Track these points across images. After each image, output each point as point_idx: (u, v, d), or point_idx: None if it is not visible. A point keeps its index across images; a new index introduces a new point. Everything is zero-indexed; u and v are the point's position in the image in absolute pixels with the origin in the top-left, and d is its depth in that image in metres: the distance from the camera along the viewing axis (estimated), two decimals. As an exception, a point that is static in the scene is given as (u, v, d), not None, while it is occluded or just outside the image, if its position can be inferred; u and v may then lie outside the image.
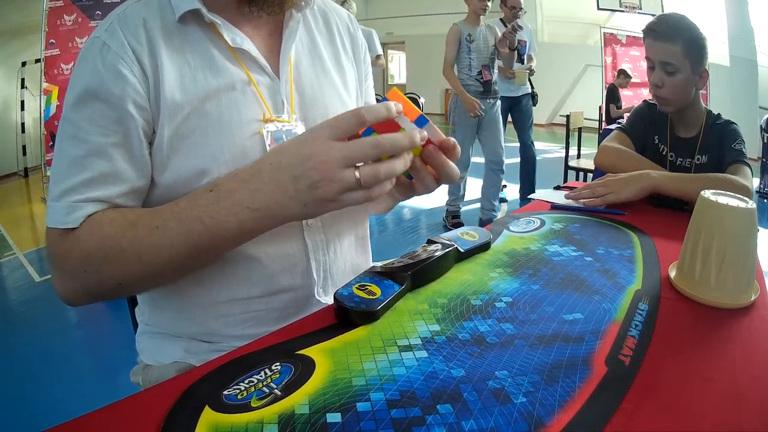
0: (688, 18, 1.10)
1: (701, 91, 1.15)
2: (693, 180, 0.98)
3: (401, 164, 0.48)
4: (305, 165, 0.47)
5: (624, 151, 1.13)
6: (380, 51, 3.65)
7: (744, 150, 1.07)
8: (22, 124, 5.25)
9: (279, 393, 0.41)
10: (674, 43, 1.07)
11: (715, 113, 1.17)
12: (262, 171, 0.49)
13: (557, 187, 1.15)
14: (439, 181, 0.55)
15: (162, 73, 0.56)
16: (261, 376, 0.43)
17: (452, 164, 0.54)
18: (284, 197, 0.48)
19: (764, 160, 4.32)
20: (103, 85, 0.54)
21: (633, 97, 6.27)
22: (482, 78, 3.01)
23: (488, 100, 3.04)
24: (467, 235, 0.74)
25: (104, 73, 0.54)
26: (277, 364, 0.45)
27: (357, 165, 0.47)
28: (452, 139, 0.53)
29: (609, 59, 6.94)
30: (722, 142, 1.09)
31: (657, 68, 1.11)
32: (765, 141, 4.30)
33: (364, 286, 0.56)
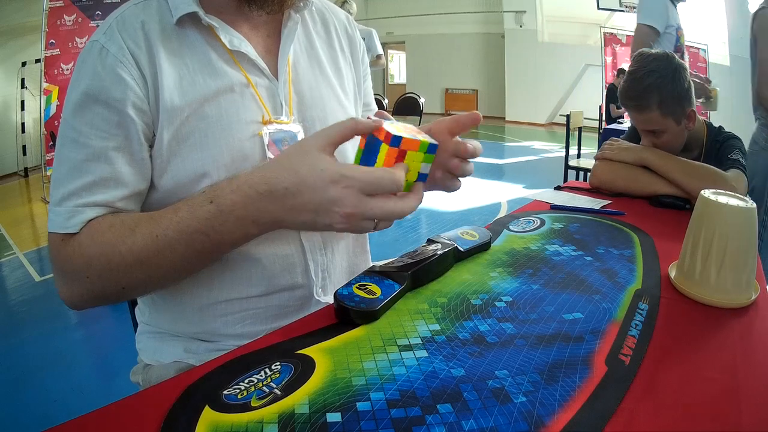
0: (659, 68, 1.05)
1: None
2: (677, 162, 1.01)
3: (416, 202, 0.50)
4: (331, 208, 0.46)
5: (618, 165, 1.12)
6: (380, 51, 3.63)
7: (741, 159, 1.06)
8: (22, 124, 5.25)
9: (279, 392, 0.41)
10: (649, 110, 1.06)
11: (716, 126, 1.16)
12: (273, 193, 0.47)
13: (558, 188, 1.15)
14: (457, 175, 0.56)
15: (161, 76, 0.56)
16: (261, 376, 0.43)
17: (467, 163, 0.55)
18: (297, 221, 0.49)
19: (764, 159, 4.31)
20: (103, 88, 0.54)
21: (633, 97, 6.26)
22: None
23: None
24: (467, 234, 0.74)
25: (104, 76, 0.54)
26: (277, 363, 0.45)
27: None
28: (469, 145, 0.53)
29: (609, 59, 6.95)
30: (721, 158, 1.09)
31: (643, 134, 1.12)
32: (765, 141, 4.29)
33: (364, 285, 0.56)
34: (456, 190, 0.58)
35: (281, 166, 0.48)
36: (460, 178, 0.57)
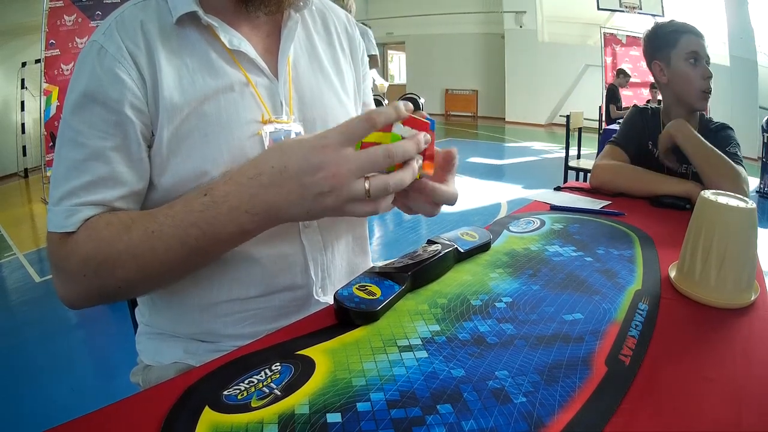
0: None
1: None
2: (704, 147, 1.01)
3: (410, 175, 0.48)
4: (316, 174, 0.46)
5: (618, 165, 1.12)
6: (375, 51, 3.56)
7: (738, 153, 1.07)
8: (22, 125, 5.25)
9: (279, 393, 0.41)
10: (705, 39, 1.14)
11: (708, 117, 1.18)
12: (262, 175, 0.48)
13: (557, 188, 1.15)
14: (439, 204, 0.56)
15: (160, 75, 0.56)
16: (261, 377, 0.43)
17: (445, 188, 0.55)
18: (286, 202, 0.48)
19: (764, 159, 4.32)
20: (101, 88, 0.54)
21: (633, 97, 6.27)
22: None
23: None
24: (467, 235, 0.74)
25: (102, 76, 0.54)
26: (278, 364, 0.45)
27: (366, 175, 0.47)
28: (453, 149, 0.53)
29: (609, 59, 6.94)
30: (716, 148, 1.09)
31: (703, 62, 1.14)
32: (765, 141, 4.30)
33: (364, 286, 0.56)
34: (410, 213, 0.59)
35: (270, 150, 0.50)
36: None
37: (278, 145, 0.49)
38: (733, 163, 0.99)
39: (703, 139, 1.03)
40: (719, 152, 1.01)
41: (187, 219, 0.50)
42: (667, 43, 1.16)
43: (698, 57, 1.13)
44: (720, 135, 1.12)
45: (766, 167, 4.29)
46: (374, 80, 3.52)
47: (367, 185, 0.46)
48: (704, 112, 1.19)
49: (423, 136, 0.48)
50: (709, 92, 1.15)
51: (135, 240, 0.51)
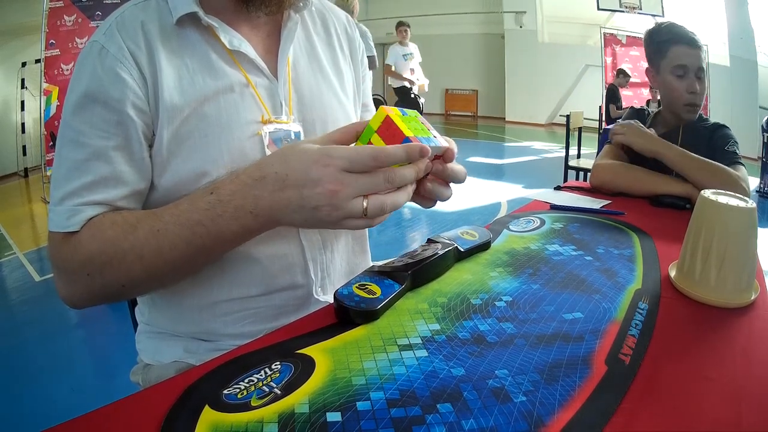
0: None
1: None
2: (693, 158, 1.00)
3: (405, 197, 0.49)
4: (314, 188, 0.46)
5: (618, 165, 1.12)
6: (373, 52, 3.53)
7: (737, 150, 1.07)
8: (22, 125, 5.25)
9: (279, 392, 0.41)
10: (701, 49, 1.12)
11: (705, 117, 1.19)
12: (266, 178, 0.48)
13: (557, 188, 1.15)
14: (448, 183, 0.56)
15: (160, 76, 0.56)
16: (261, 376, 0.43)
17: (458, 167, 0.55)
18: (287, 209, 0.48)
19: (764, 159, 4.32)
20: (103, 88, 0.54)
21: (633, 97, 6.28)
22: None
23: None
24: (467, 234, 0.74)
25: (103, 76, 0.54)
26: (277, 363, 0.45)
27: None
28: (451, 144, 0.53)
29: (609, 59, 6.94)
30: (714, 148, 1.09)
31: (691, 75, 1.12)
32: (765, 140, 4.30)
33: (364, 285, 0.56)
34: (429, 207, 0.59)
35: (274, 154, 0.50)
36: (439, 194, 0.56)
37: (282, 152, 0.49)
38: (723, 166, 0.98)
39: (686, 151, 1.03)
40: (706, 159, 1.00)
41: (192, 218, 0.51)
42: (658, 51, 1.16)
43: (686, 70, 1.12)
44: (717, 135, 1.12)
45: (766, 167, 4.29)
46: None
47: (365, 204, 0.46)
48: (693, 120, 1.18)
49: (425, 165, 0.50)
50: (695, 105, 1.14)
51: (141, 239, 0.52)
